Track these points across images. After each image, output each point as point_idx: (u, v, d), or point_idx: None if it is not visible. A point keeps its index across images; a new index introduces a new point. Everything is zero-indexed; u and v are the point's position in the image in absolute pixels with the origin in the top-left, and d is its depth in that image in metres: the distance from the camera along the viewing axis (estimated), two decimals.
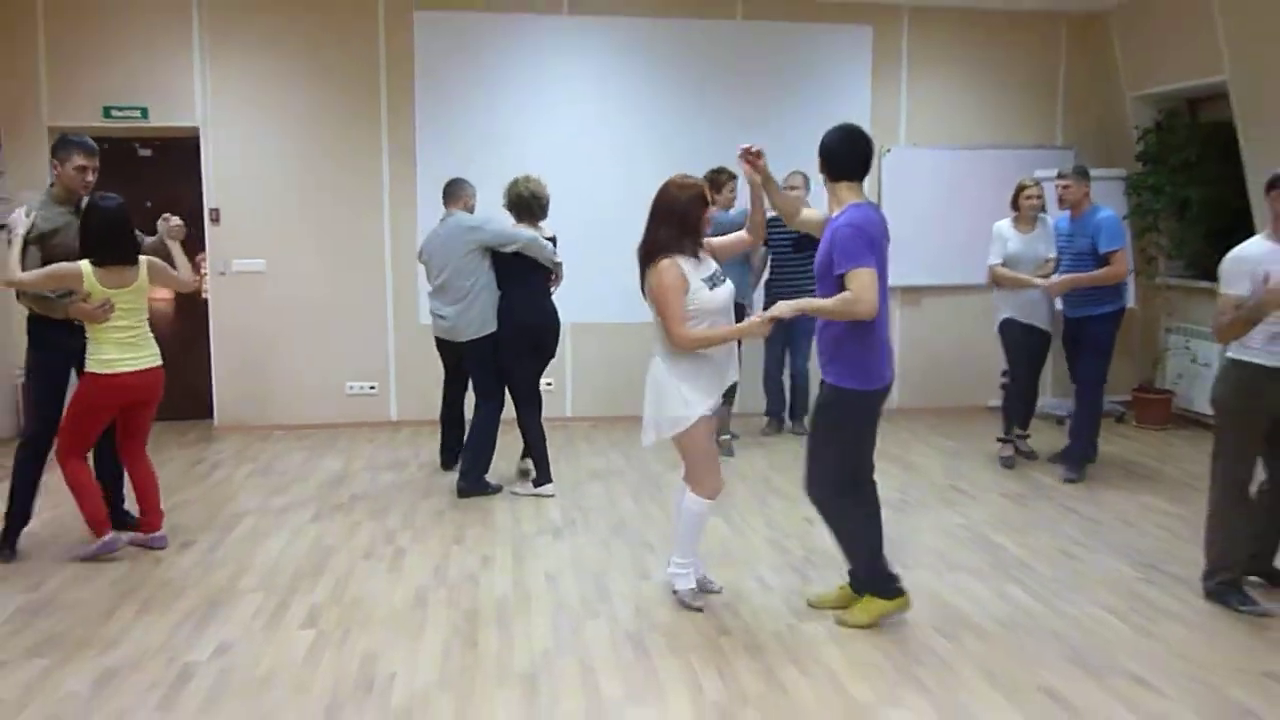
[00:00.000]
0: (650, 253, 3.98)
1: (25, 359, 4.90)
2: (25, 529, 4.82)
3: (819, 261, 3.91)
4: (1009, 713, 3.32)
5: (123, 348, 4.57)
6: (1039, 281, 6.11)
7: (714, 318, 3.97)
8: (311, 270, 7.51)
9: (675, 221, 3.97)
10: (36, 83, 7.08)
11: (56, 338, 4.66)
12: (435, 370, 6.31)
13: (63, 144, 4.73)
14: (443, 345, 6.04)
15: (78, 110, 7.11)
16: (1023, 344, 6.35)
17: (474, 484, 5.84)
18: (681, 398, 3.96)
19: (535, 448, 5.89)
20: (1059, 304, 6.34)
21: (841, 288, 3.75)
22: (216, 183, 7.37)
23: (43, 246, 4.59)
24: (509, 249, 5.64)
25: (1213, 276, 7.56)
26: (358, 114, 7.48)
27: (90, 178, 4.73)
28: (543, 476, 5.88)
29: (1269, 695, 3.44)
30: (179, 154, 7.42)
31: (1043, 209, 6.38)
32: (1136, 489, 5.99)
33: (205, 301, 7.42)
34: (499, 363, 5.82)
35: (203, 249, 7.36)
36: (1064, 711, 3.33)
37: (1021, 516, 5.48)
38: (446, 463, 6.31)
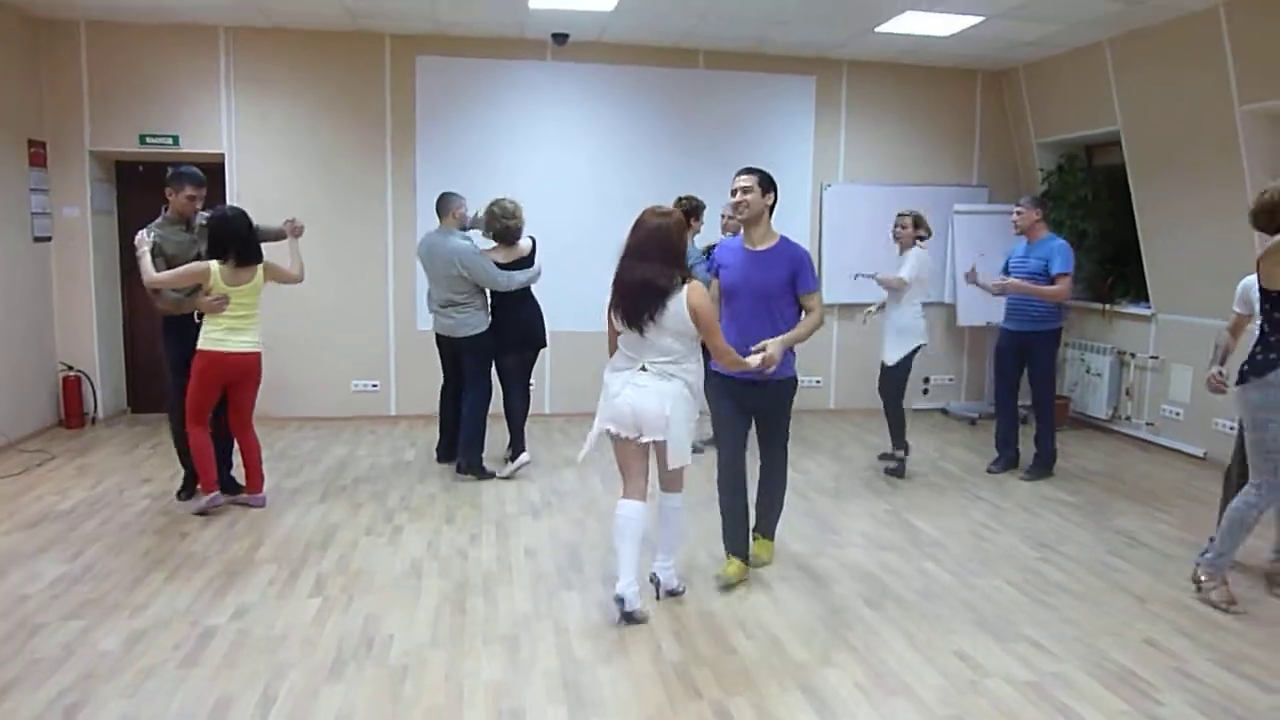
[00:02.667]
0: (665, 288, 3.58)
1: (163, 350, 5.11)
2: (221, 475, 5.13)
3: (775, 280, 3.95)
4: (926, 671, 3.37)
5: (229, 331, 4.85)
6: (995, 280, 5.97)
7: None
8: (322, 280, 7.43)
9: (672, 252, 3.65)
10: (80, 110, 6.98)
11: (187, 335, 4.91)
12: (431, 370, 6.28)
13: (176, 177, 5.04)
14: (441, 342, 6.03)
15: (116, 136, 7.03)
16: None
17: (473, 464, 5.86)
18: (695, 420, 3.81)
19: (514, 421, 5.98)
20: (1001, 318, 6.23)
21: (797, 304, 3.89)
22: (240, 203, 7.25)
23: (164, 259, 4.86)
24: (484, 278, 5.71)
25: (1105, 300, 7.75)
26: (365, 144, 7.44)
27: (198, 205, 5.07)
28: (517, 447, 5.97)
29: (1146, 657, 3.51)
30: (207, 176, 7.32)
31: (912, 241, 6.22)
32: (1038, 480, 6.07)
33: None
34: (496, 360, 5.92)
35: None
36: (972, 670, 3.39)
37: (938, 503, 5.55)
38: (442, 455, 6.28)
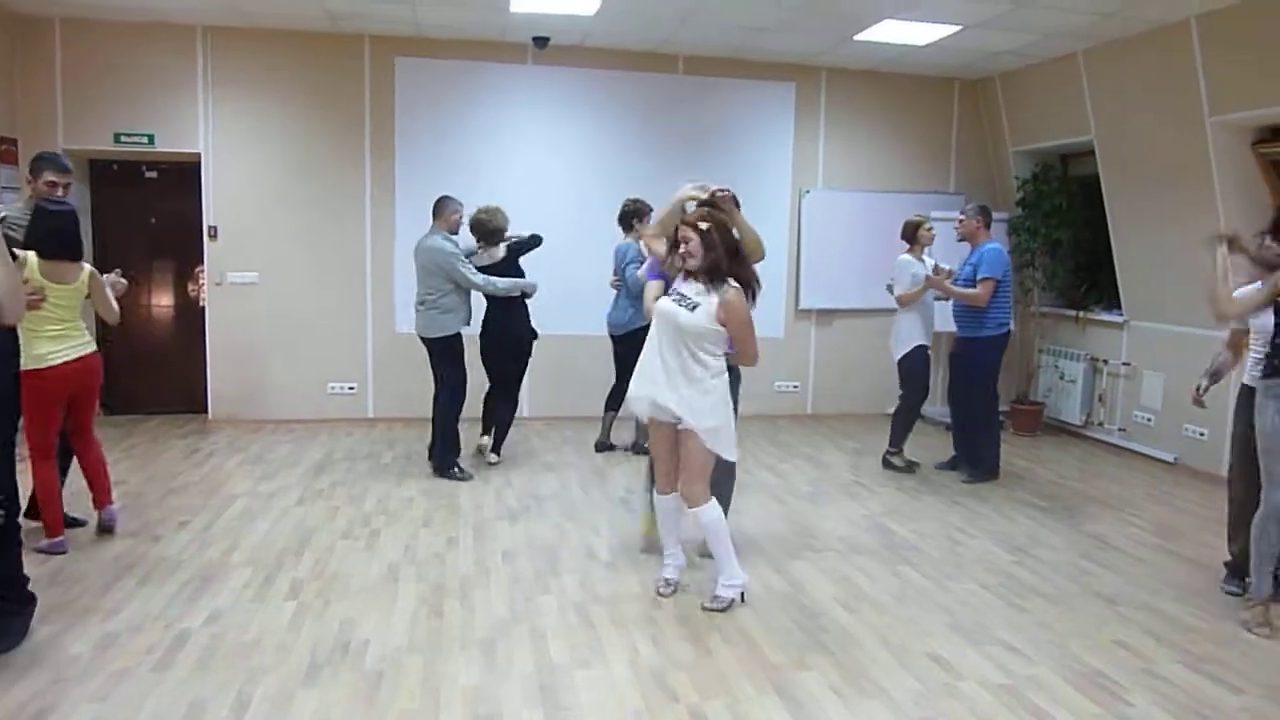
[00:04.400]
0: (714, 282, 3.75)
1: None
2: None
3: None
4: (900, 674, 3.40)
5: (53, 340, 4.24)
6: (932, 277, 6.00)
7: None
8: (299, 283, 7.43)
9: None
10: (53, 108, 6.91)
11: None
12: (409, 373, 6.29)
13: (37, 160, 4.50)
14: (422, 341, 6.06)
15: (90, 135, 6.96)
16: (927, 365, 6.28)
17: (444, 466, 5.93)
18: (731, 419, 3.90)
19: (500, 428, 6.30)
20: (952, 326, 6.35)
21: None
22: (215, 203, 7.26)
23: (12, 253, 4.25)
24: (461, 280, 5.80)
25: (1078, 307, 7.84)
26: (344, 146, 7.41)
27: (59, 193, 4.45)
28: (497, 449, 6.31)
29: (1117, 659, 3.56)
30: (182, 176, 7.30)
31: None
32: (1012, 486, 6.13)
33: (203, 309, 7.30)
34: (485, 365, 6.14)
35: (201, 262, 7.25)
36: (946, 673, 3.42)
37: (914, 507, 5.59)
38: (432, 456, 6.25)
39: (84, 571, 4.15)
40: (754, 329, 3.82)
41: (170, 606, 3.81)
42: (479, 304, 6.06)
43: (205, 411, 7.43)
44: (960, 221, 6.12)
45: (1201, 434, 6.54)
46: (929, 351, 6.28)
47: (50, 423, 4.31)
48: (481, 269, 5.92)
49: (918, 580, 4.37)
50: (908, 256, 6.20)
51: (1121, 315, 7.32)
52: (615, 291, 6.48)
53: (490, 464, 6.21)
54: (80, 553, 4.38)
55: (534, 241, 6.16)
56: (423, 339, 5.92)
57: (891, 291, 6.26)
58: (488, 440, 6.35)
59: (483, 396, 6.41)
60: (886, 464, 6.43)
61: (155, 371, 7.56)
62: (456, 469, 5.93)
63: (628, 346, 5.73)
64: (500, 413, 6.30)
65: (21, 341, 3.83)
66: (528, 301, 6.13)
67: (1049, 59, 7.37)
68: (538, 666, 3.38)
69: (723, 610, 3.91)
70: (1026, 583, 4.36)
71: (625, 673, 3.35)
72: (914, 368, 6.23)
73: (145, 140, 7.07)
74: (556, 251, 7.35)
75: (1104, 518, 5.47)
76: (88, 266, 4.47)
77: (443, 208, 5.92)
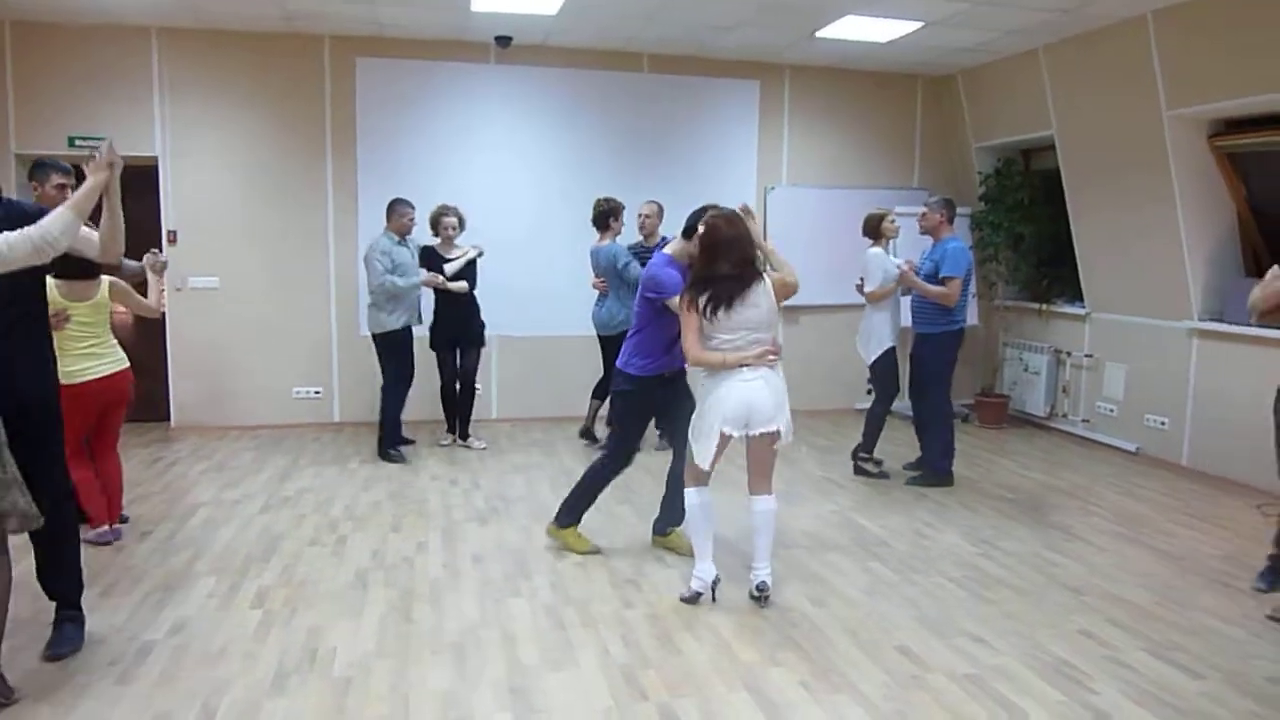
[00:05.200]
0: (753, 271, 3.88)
1: None
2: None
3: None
4: (870, 668, 3.44)
5: (86, 358, 4.42)
6: (906, 274, 5.89)
7: None
8: (261, 287, 7.36)
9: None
10: (4, 113, 6.79)
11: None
12: (375, 376, 6.27)
13: (40, 166, 4.50)
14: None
15: (43, 139, 6.83)
16: (896, 367, 6.16)
17: (382, 450, 6.45)
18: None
19: (460, 412, 6.84)
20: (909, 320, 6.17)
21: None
22: (174, 207, 7.18)
23: None
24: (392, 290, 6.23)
25: (1041, 300, 7.95)
26: (304, 148, 7.35)
27: (70, 194, 4.40)
28: (462, 432, 6.86)
29: (1082, 648, 3.62)
30: (139, 180, 7.16)
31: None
32: (977, 478, 6.21)
33: (164, 315, 7.19)
34: (437, 355, 6.65)
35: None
36: (914, 665, 3.46)
37: (882, 502, 5.65)
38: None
39: None
40: None
41: (133, 618, 3.77)
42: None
43: (167, 419, 7.34)
44: (924, 215, 5.96)
45: (1163, 424, 6.66)
46: (896, 351, 6.09)
47: (80, 431, 4.46)
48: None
49: (886, 575, 4.41)
50: (878, 250, 5.98)
51: (1083, 307, 7.44)
52: (597, 292, 6.54)
53: (479, 450, 6.73)
54: None
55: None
56: (370, 335, 6.44)
57: (861, 290, 6.06)
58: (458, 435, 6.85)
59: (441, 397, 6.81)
60: (858, 469, 6.25)
61: None
62: (393, 452, 6.43)
63: (618, 345, 5.74)
64: (461, 404, 6.82)
65: (59, 356, 4.00)
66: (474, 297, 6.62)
67: (1010, 55, 7.47)
68: (509, 669, 3.38)
69: (766, 599, 4.02)
70: (993, 574, 4.42)
71: (596, 673, 3.36)
72: (885, 369, 6.08)
73: (100, 143, 6.95)
74: (519, 252, 7.37)
75: (1068, 508, 5.56)
76: (105, 279, 4.53)
77: (391, 211, 6.28)
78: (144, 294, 4.81)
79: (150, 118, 7.08)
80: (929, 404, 6.00)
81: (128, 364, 4.63)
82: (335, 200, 7.44)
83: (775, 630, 3.76)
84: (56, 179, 4.46)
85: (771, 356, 3.84)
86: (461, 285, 6.43)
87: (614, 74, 7.79)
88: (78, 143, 6.91)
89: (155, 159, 7.09)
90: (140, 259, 4.84)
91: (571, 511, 4.65)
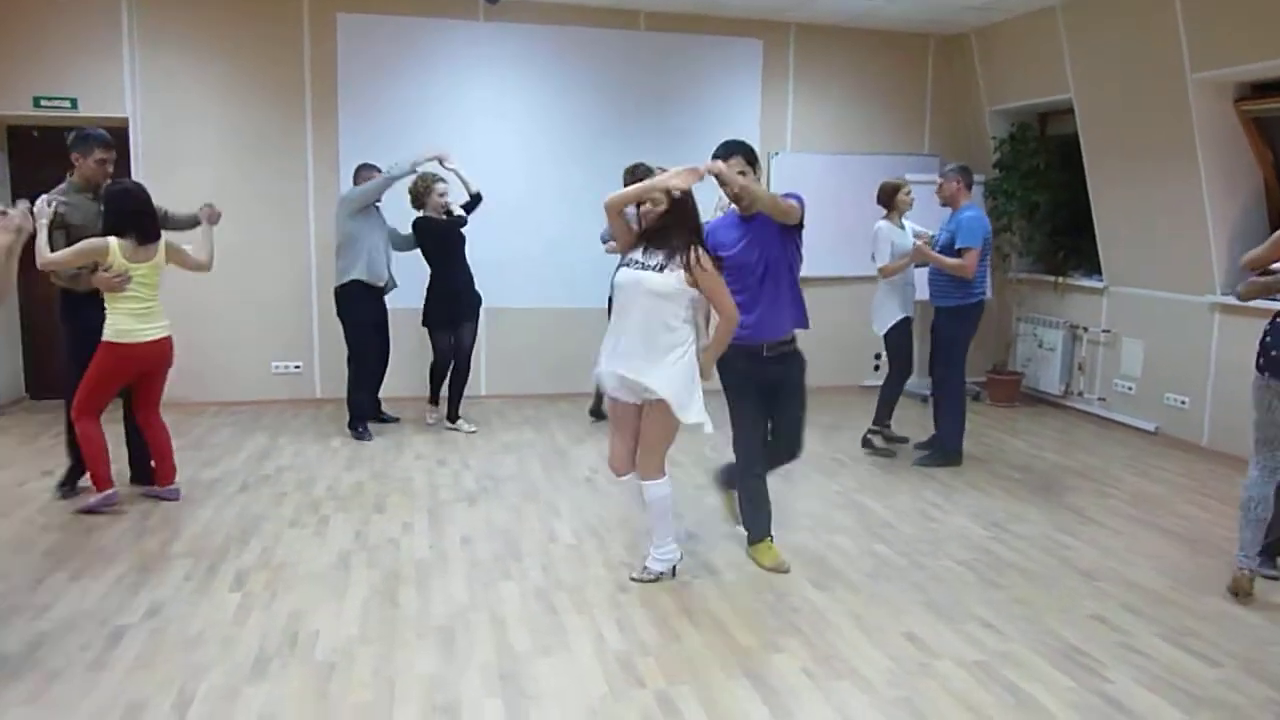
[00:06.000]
0: (679, 247, 3.77)
1: (62, 329, 4.93)
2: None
3: (754, 247, 4.07)
4: (874, 654, 3.46)
5: (136, 318, 4.67)
6: (921, 247, 5.94)
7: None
8: (238, 255, 7.29)
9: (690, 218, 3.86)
10: None
11: (87, 312, 4.70)
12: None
13: (83, 139, 4.83)
14: None
15: (7, 99, 6.78)
16: (910, 338, 6.27)
17: (354, 431, 6.45)
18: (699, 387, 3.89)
19: (453, 393, 6.68)
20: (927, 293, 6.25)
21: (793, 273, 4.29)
22: (146, 171, 7.10)
23: (68, 231, 4.69)
24: (359, 205, 6.19)
25: (1057, 273, 7.95)
26: (284, 108, 7.28)
27: (109, 168, 4.87)
28: (452, 414, 6.70)
29: (1095, 634, 3.65)
30: None
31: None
32: (988, 458, 6.23)
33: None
34: (429, 330, 6.51)
35: None
36: (921, 652, 3.48)
37: (888, 483, 5.67)
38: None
39: (10, 567, 4.10)
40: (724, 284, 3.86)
41: (106, 601, 3.77)
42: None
43: None
44: (940, 184, 5.97)
45: (1183, 402, 6.68)
46: (911, 323, 6.23)
47: (108, 393, 4.78)
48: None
49: (892, 558, 4.43)
50: (885, 224, 6.08)
51: (1101, 281, 7.44)
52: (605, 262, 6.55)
53: (468, 433, 6.63)
54: (7, 547, 4.32)
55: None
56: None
57: (875, 262, 6.13)
58: (446, 416, 6.77)
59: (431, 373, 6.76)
60: (866, 444, 6.36)
61: None
62: (359, 429, 6.44)
63: None
64: (454, 383, 6.72)
65: (107, 314, 4.61)
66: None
67: (1026, 13, 7.41)
68: (498, 654, 3.40)
69: (653, 581, 4.05)
70: (1003, 558, 4.45)
71: (590, 659, 3.38)
72: (898, 342, 6.20)
73: (68, 105, 6.91)
74: (508, 217, 7.32)
75: (1082, 490, 5.58)
76: (162, 239, 4.81)
77: (359, 176, 6.34)
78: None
79: (120, 77, 7.01)
80: (943, 380, 6.06)
81: (170, 332, 4.87)
82: (316, 162, 7.37)
83: (776, 615, 3.78)
84: (99, 153, 4.84)
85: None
86: (473, 184, 6.50)
87: (609, 32, 7.73)
88: (43, 103, 6.85)
89: (126, 120, 7.03)
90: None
91: (755, 526, 4.39)
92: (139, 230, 4.65)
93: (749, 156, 4.07)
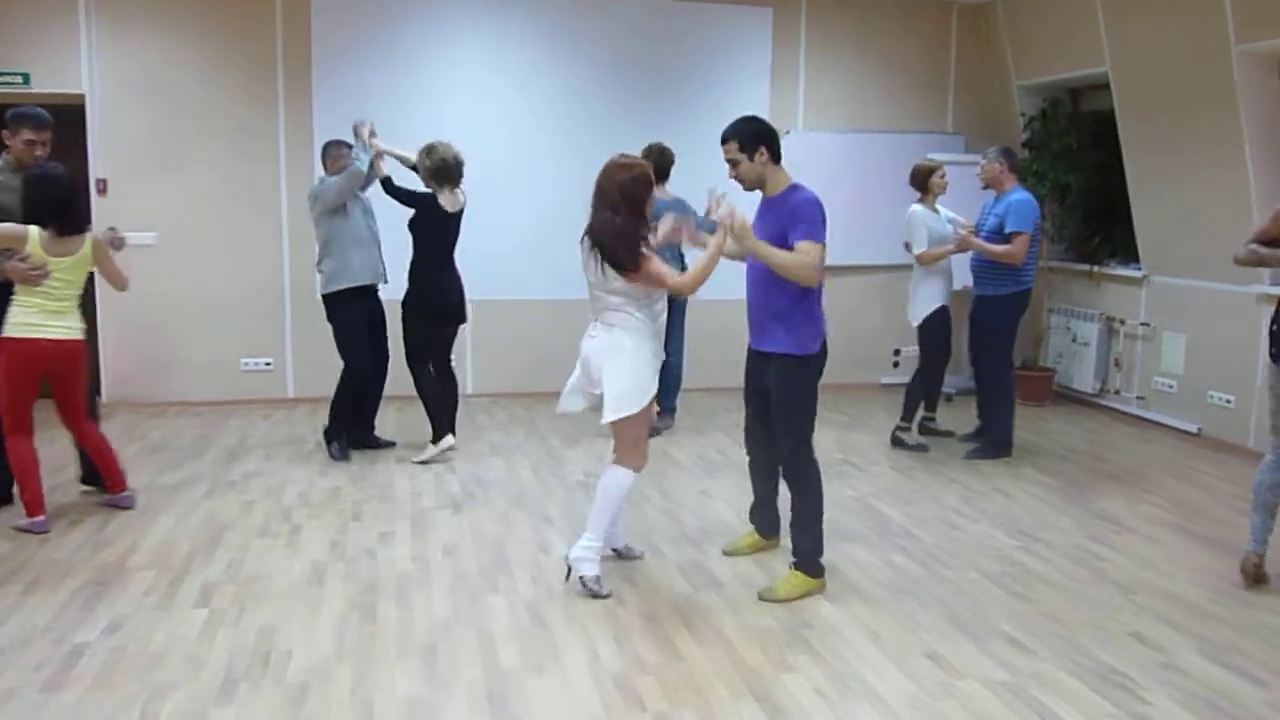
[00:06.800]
0: (613, 242, 3.88)
1: None
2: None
3: (770, 231, 4.00)
4: (893, 674, 3.46)
5: (44, 314, 4.58)
6: (965, 236, 6.06)
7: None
8: (205, 243, 7.32)
9: (626, 205, 3.92)
10: None
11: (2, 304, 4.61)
12: (333, 346, 6.23)
13: (15, 118, 4.78)
14: None
15: None
16: (948, 328, 6.39)
17: (326, 443, 6.10)
18: (648, 377, 4.05)
19: (424, 404, 6.03)
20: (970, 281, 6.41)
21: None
22: (104, 153, 7.12)
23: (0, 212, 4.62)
24: (327, 207, 5.83)
25: (1091, 261, 7.95)
26: (253, 83, 7.29)
27: (39, 152, 4.79)
28: (437, 432, 6.00)
29: (1133, 654, 3.64)
30: (64, 122, 7.07)
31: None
32: (1015, 462, 6.23)
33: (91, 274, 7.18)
34: (405, 329, 5.99)
35: (89, 220, 7.12)
36: (944, 672, 3.48)
37: (908, 488, 5.67)
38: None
39: None
40: (657, 261, 3.95)
41: (61, 617, 3.77)
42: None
43: (98, 394, 7.31)
44: (982, 167, 6.18)
45: (1228, 402, 6.68)
46: (949, 311, 6.35)
47: (24, 397, 4.64)
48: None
49: (912, 569, 4.44)
50: (921, 208, 6.24)
51: (1139, 269, 7.44)
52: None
53: (445, 449, 6.06)
54: None
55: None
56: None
57: (910, 250, 6.31)
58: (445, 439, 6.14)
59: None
60: (896, 441, 6.49)
61: None
62: (331, 446, 6.06)
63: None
64: (423, 391, 6.10)
65: (11, 307, 4.53)
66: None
67: None
68: (485, 673, 3.40)
69: (567, 577, 4.14)
70: (1032, 569, 4.45)
71: (584, 678, 3.38)
72: (934, 331, 6.35)
73: (20, 80, 6.90)
74: (496, 203, 7.30)
75: (1118, 496, 5.59)
76: (90, 234, 4.72)
77: (326, 154, 6.01)
78: None
79: (76, 50, 7.00)
80: (990, 370, 6.22)
81: (82, 336, 4.75)
82: (288, 141, 7.37)
83: (786, 631, 3.78)
84: (27, 133, 4.76)
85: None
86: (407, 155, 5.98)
87: (605, 2, 7.71)
88: None
89: (82, 97, 7.03)
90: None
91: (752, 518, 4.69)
92: (58, 221, 4.56)
93: (744, 140, 4.07)
